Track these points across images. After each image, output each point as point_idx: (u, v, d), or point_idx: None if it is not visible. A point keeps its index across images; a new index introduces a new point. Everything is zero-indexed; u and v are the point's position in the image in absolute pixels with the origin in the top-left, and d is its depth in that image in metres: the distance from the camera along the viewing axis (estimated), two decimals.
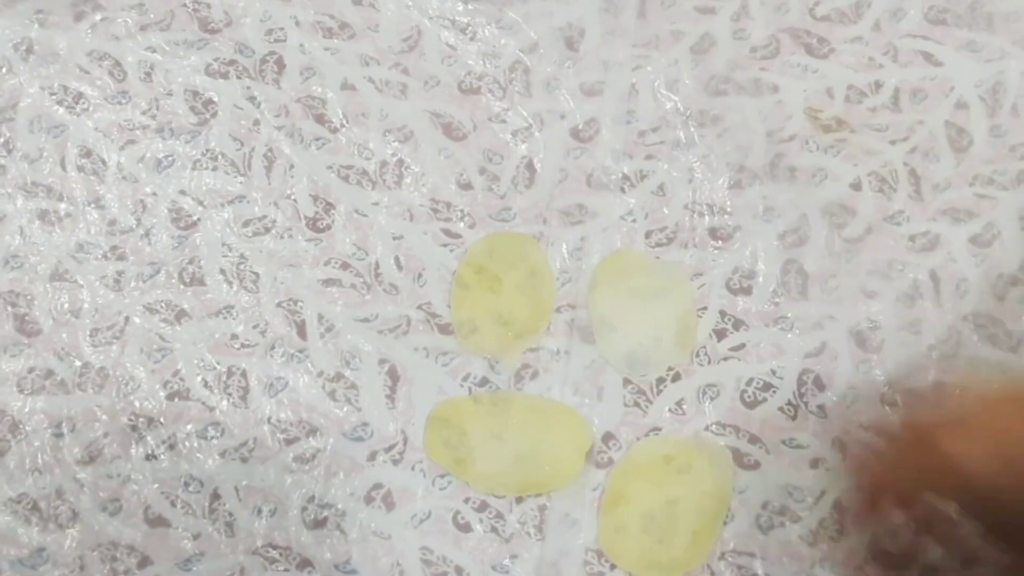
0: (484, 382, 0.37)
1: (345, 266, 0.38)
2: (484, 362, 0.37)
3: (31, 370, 0.36)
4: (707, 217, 0.39)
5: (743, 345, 0.37)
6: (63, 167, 0.39)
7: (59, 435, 0.36)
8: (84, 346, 0.37)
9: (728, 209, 0.39)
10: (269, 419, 0.36)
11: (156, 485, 0.35)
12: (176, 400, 0.36)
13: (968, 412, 0.28)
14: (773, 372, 0.37)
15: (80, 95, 0.40)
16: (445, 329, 0.38)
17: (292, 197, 0.39)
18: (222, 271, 0.38)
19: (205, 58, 0.41)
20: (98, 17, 0.41)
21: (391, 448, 0.36)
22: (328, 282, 0.38)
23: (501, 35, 0.42)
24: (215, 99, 0.40)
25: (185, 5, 0.42)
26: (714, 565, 0.34)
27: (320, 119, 0.40)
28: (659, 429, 0.36)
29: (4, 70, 0.40)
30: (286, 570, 0.34)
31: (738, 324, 0.37)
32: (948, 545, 0.33)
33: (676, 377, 0.37)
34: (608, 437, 0.36)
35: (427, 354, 0.37)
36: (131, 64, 0.41)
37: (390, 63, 0.42)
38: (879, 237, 0.38)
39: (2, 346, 0.37)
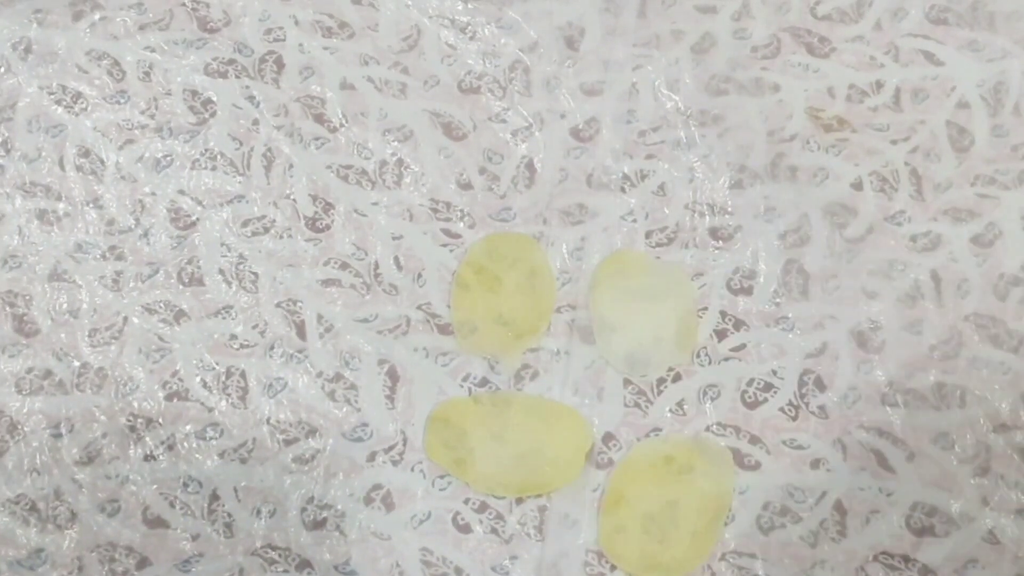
0: (484, 382, 0.37)
1: (344, 266, 0.38)
2: (484, 362, 0.37)
3: (29, 370, 0.36)
4: (708, 217, 0.39)
5: (744, 345, 0.37)
6: (61, 167, 0.39)
7: (57, 436, 0.35)
8: (83, 346, 0.37)
9: (729, 209, 0.39)
10: (268, 420, 0.36)
11: (155, 486, 0.35)
12: (175, 400, 0.36)
13: None
14: (774, 372, 0.37)
15: (79, 95, 0.40)
16: (445, 329, 0.38)
17: (291, 197, 0.39)
18: (221, 271, 0.38)
19: (204, 57, 0.41)
20: (97, 16, 0.41)
21: (391, 449, 0.36)
22: (327, 282, 0.38)
23: (501, 34, 0.42)
24: (214, 99, 0.40)
25: (184, 4, 0.42)
26: (715, 566, 0.34)
27: (319, 119, 0.40)
28: (659, 430, 0.36)
29: (2, 69, 0.40)
30: (285, 571, 0.34)
31: (739, 324, 0.37)
32: None
33: (676, 377, 0.37)
34: (608, 438, 0.36)
35: (427, 354, 0.37)
36: (130, 63, 0.41)
37: (389, 62, 0.42)
38: (880, 237, 0.38)
39: (0, 346, 0.37)
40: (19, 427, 0.36)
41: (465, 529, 0.35)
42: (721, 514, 0.35)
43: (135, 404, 0.36)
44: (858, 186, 0.39)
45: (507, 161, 0.40)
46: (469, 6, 0.43)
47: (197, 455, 0.35)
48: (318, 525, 0.35)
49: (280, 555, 0.34)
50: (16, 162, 0.39)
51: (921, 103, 0.40)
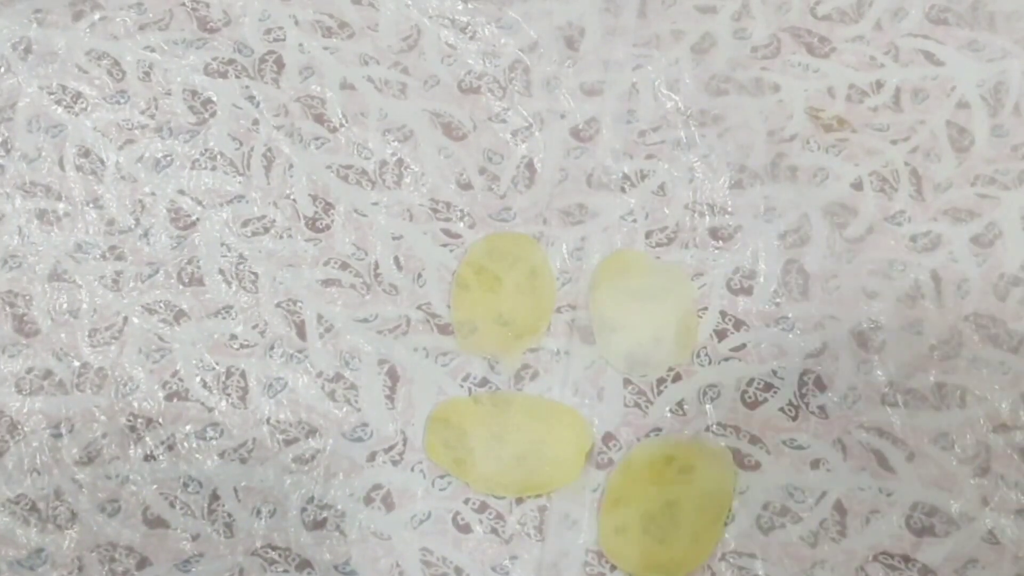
0: (484, 382, 0.37)
1: (344, 266, 0.38)
2: (484, 362, 0.37)
3: (29, 370, 0.36)
4: (708, 217, 0.39)
5: (744, 345, 0.37)
6: (61, 167, 0.39)
7: (57, 436, 0.35)
8: (83, 346, 0.37)
9: (729, 209, 0.39)
10: (268, 420, 0.36)
11: (155, 486, 0.35)
12: (175, 401, 0.36)
13: None
14: (774, 372, 0.37)
15: (79, 94, 0.40)
16: (445, 329, 0.38)
17: (291, 197, 0.39)
18: (221, 271, 0.38)
19: (204, 57, 0.41)
20: (97, 16, 0.41)
21: (391, 449, 0.36)
22: (327, 282, 0.38)
23: (501, 34, 0.42)
24: (214, 98, 0.40)
25: (184, 4, 0.42)
26: (715, 566, 0.34)
27: (319, 119, 0.40)
28: (660, 430, 0.36)
29: (2, 69, 0.40)
30: (285, 571, 0.34)
31: (739, 324, 0.37)
32: None
33: (676, 378, 0.37)
34: (608, 438, 0.36)
35: (427, 354, 0.37)
36: (130, 63, 0.41)
37: (389, 62, 0.42)
38: (880, 237, 0.38)
39: (0, 346, 0.37)
40: (19, 427, 0.36)
41: (465, 529, 0.35)
42: (721, 514, 0.35)
43: (135, 404, 0.36)
44: (858, 186, 0.39)
45: (507, 161, 0.40)
46: (469, 6, 0.42)
47: (197, 455, 0.35)
48: (318, 525, 0.35)
49: (280, 555, 0.34)
50: (16, 162, 0.39)
51: (921, 103, 0.40)
